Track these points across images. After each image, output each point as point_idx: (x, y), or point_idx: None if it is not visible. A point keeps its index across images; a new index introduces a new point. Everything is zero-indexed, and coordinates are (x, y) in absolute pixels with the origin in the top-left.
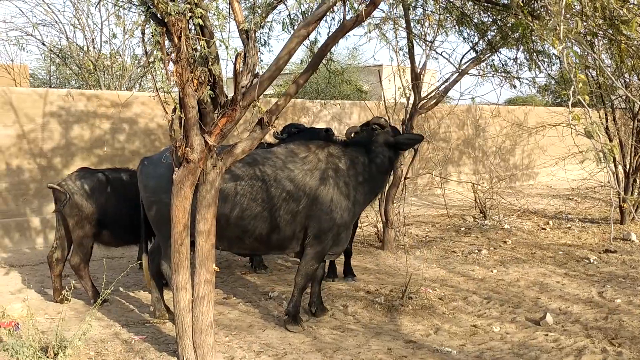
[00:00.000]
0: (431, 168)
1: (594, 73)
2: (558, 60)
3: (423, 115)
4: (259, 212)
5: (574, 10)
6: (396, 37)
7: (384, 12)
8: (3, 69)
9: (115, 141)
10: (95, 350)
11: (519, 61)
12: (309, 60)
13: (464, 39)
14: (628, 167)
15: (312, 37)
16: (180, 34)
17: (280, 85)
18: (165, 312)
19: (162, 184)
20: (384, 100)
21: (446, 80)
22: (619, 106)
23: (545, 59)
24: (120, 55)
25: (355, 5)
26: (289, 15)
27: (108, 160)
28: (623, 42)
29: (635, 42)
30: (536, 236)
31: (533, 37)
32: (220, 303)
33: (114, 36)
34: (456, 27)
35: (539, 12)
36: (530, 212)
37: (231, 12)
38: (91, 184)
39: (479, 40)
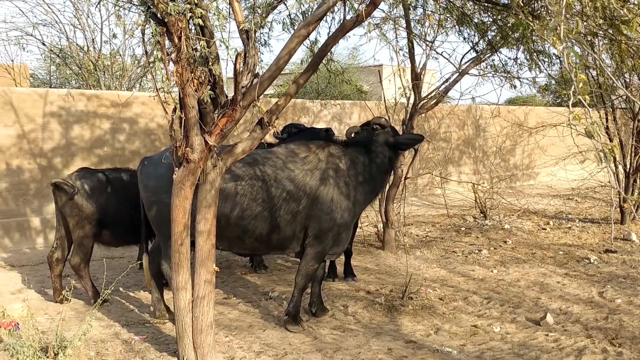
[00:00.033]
0: (431, 168)
1: (594, 73)
2: (558, 60)
3: (423, 115)
4: (259, 212)
5: (574, 10)
6: (396, 37)
7: (384, 12)
8: (3, 69)
9: (115, 141)
10: (95, 350)
11: (519, 61)
12: (309, 60)
13: (464, 39)
14: (628, 167)
15: (312, 37)
16: (181, 34)
17: (281, 85)
18: (165, 312)
19: (162, 184)
20: (384, 100)
21: (446, 80)
22: (619, 106)
23: (546, 59)
24: (120, 55)
25: (356, 5)
26: (289, 15)
27: (108, 160)
28: (623, 42)
29: (636, 42)
30: (536, 236)
31: (533, 37)
32: (220, 303)
33: (114, 36)
34: (456, 27)
35: (539, 12)
36: (531, 212)
37: (231, 12)
38: (91, 184)
39: (479, 40)
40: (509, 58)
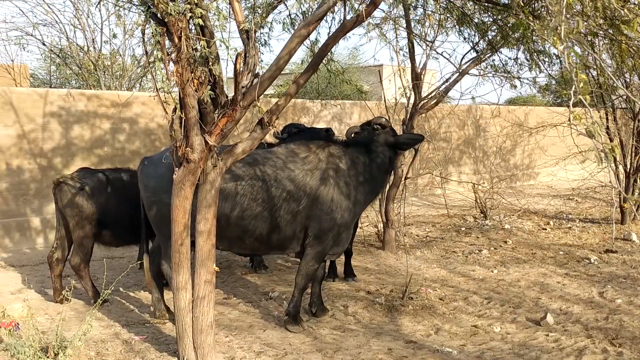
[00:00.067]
0: (432, 168)
1: (594, 73)
2: (559, 60)
3: (423, 115)
4: (260, 212)
5: (574, 10)
6: (396, 37)
7: (384, 12)
8: (3, 69)
9: (115, 141)
10: (95, 350)
11: (519, 61)
12: (310, 60)
13: (465, 39)
14: (629, 167)
15: (312, 37)
16: (181, 34)
17: (281, 85)
18: (165, 312)
19: (162, 184)
20: (385, 100)
21: (447, 80)
22: (620, 106)
23: (546, 59)
24: (120, 55)
25: (356, 6)
26: (289, 15)
27: (108, 160)
28: (624, 42)
29: (636, 42)
30: (537, 236)
31: (534, 37)
32: (220, 303)
33: (114, 36)
34: (457, 27)
35: (539, 12)
36: (531, 212)
37: (231, 12)
38: (91, 184)
39: (479, 40)
40: (509, 58)
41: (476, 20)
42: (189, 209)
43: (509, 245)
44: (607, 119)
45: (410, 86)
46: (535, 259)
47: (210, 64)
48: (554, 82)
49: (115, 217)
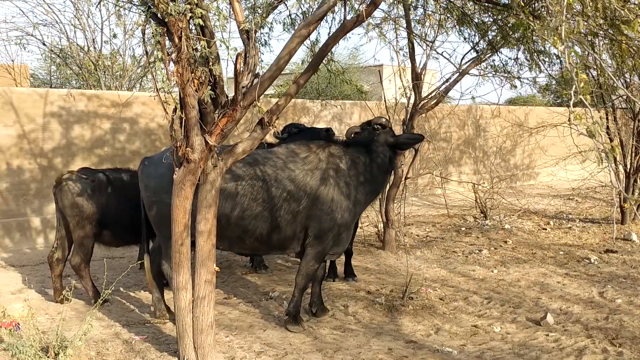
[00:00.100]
0: (432, 168)
1: (594, 73)
2: (559, 60)
3: (424, 115)
4: (260, 212)
5: (574, 10)
6: (397, 37)
7: (384, 12)
8: (3, 69)
9: (115, 141)
10: (95, 350)
11: (519, 61)
12: (310, 60)
13: (465, 39)
14: (629, 167)
15: (312, 37)
16: (181, 34)
17: (281, 85)
18: (165, 312)
19: (162, 184)
20: (385, 100)
21: (447, 80)
22: (620, 106)
23: (546, 59)
24: (120, 55)
25: (356, 6)
26: (290, 15)
27: (109, 160)
28: (624, 42)
29: (636, 42)
30: (537, 236)
31: (534, 37)
32: (220, 303)
33: (115, 36)
34: (457, 27)
35: (539, 12)
36: (531, 212)
37: (232, 12)
38: (92, 184)
39: (479, 40)
40: (510, 58)
41: (476, 20)
42: (189, 209)
43: (509, 245)
44: (607, 119)
45: (411, 86)
46: (536, 259)
47: (211, 64)
48: (554, 82)
49: (116, 217)
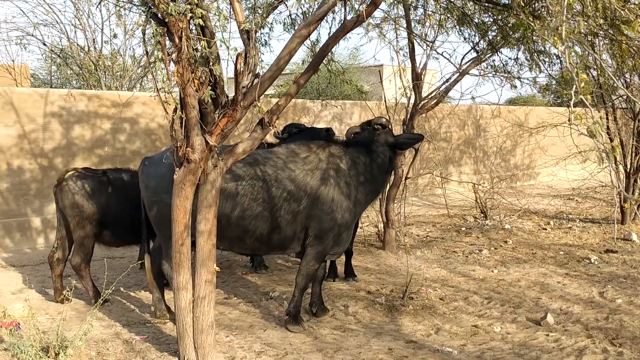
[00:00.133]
0: (432, 168)
1: (594, 73)
2: (559, 60)
3: (424, 115)
4: (260, 212)
5: (575, 10)
6: (397, 37)
7: (384, 12)
8: (4, 69)
9: (116, 141)
10: (96, 350)
11: (519, 61)
12: (310, 60)
13: (465, 39)
14: (629, 167)
15: (313, 37)
16: (181, 34)
17: (281, 85)
18: (166, 312)
19: (163, 184)
20: (385, 101)
21: (447, 80)
22: (620, 106)
23: (546, 59)
24: (121, 56)
25: (356, 6)
26: (290, 15)
27: (109, 161)
28: (624, 42)
29: (636, 42)
30: (537, 236)
31: (534, 37)
32: (221, 303)
33: (115, 36)
34: (457, 27)
35: (540, 12)
36: (531, 212)
37: (232, 12)
38: (92, 184)
39: (479, 41)
40: (510, 58)
41: (476, 21)
42: (189, 209)
43: (509, 245)
44: (607, 119)
45: (411, 86)
46: (536, 259)
47: (211, 64)
48: (554, 82)
49: (116, 217)
